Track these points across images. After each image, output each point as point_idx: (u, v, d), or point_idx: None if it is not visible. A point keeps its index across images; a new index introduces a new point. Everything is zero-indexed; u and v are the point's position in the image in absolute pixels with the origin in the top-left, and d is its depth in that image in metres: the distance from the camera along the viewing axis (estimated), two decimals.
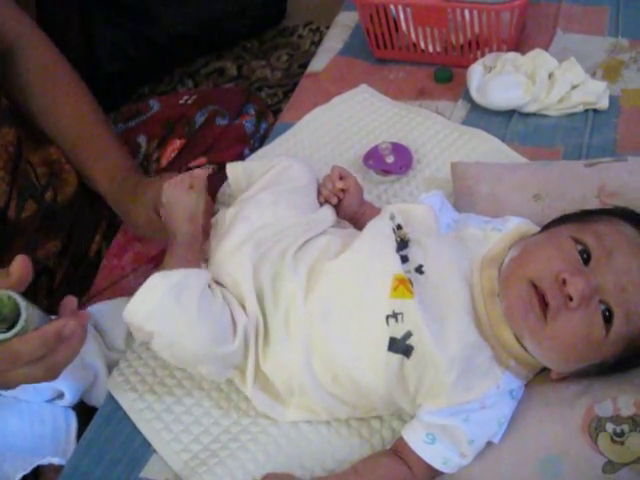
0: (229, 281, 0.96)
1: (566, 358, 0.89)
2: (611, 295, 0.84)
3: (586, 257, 0.87)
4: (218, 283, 0.97)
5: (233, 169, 1.16)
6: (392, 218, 1.02)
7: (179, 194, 1.07)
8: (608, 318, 0.85)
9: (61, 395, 1.07)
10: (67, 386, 1.05)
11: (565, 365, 0.91)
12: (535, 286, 0.86)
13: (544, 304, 0.86)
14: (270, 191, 1.06)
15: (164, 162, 1.46)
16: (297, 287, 0.94)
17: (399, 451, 0.91)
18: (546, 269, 0.87)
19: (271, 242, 0.99)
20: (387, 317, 0.89)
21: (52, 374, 0.87)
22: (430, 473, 0.90)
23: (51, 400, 1.07)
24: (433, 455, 0.88)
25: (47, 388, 1.05)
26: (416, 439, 0.90)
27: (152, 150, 1.48)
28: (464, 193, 1.19)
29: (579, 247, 0.88)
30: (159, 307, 0.88)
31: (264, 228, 1.00)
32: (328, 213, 1.09)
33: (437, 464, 0.89)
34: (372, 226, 1.01)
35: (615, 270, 0.85)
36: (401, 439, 0.91)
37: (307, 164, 1.14)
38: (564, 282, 0.84)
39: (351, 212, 1.13)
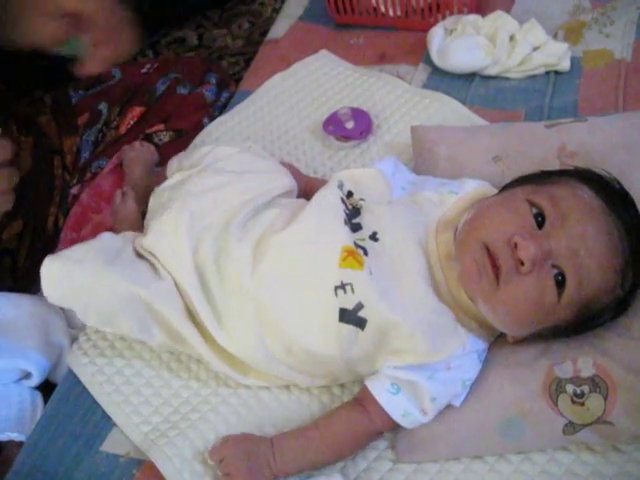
0: (168, 261, 0.95)
1: (518, 322, 0.88)
2: (564, 260, 0.83)
3: (541, 220, 0.86)
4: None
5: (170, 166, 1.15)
6: (340, 186, 0.99)
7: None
8: (560, 282, 0.84)
9: (28, 375, 1.05)
10: (35, 366, 1.04)
11: (518, 329, 0.90)
12: (489, 249, 0.85)
13: (497, 268, 0.85)
14: (215, 166, 1.06)
15: (123, 129, 1.45)
16: (243, 262, 0.92)
17: (361, 400, 0.91)
18: (499, 232, 0.85)
19: (213, 213, 0.97)
20: (335, 288, 0.88)
21: None
22: (390, 424, 0.90)
23: (18, 380, 1.06)
24: (394, 406, 0.88)
25: (14, 369, 1.04)
26: (380, 388, 0.89)
27: (113, 117, 1.47)
28: (424, 156, 1.18)
29: (534, 210, 0.87)
30: (60, 279, 0.92)
31: (202, 195, 0.99)
32: (279, 180, 1.06)
33: (396, 416, 0.88)
34: (319, 196, 0.99)
35: (569, 234, 0.84)
36: (365, 388, 0.90)
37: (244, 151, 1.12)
38: (516, 246, 0.83)
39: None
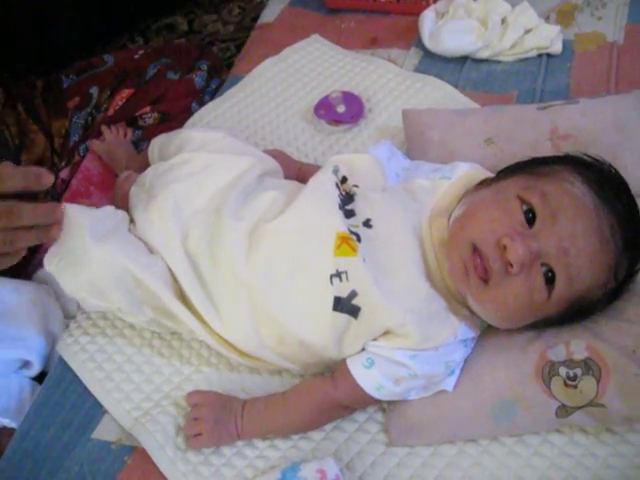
0: (159, 249, 0.95)
1: (508, 319, 0.88)
2: (554, 259, 0.83)
3: (531, 217, 0.85)
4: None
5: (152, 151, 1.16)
6: (335, 171, 0.99)
7: None
8: (550, 280, 0.83)
9: (26, 364, 1.05)
10: (36, 356, 1.04)
11: (508, 324, 0.90)
12: (478, 249, 0.84)
13: (486, 269, 0.84)
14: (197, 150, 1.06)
15: (111, 111, 1.46)
16: (238, 250, 0.91)
17: (334, 372, 0.91)
18: (488, 232, 0.84)
19: (200, 198, 0.97)
20: (331, 276, 0.87)
21: (9, 245, 0.84)
22: (353, 397, 0.90)
23: (17, 370, 1.05)
24: (367, 379, 0.88)
25: (15, 359, 1.03)
26: (355, 362, 0.89)
27: (103, 101, 1.47)
28: (416, 140, 1.17)
29: (524, 207, 0.85)
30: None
31: (186, 180, 0.99)
32: (259, 159, 1.06)
33: (370, 389, 0.88)
34: (314, 182, 0.98)
35: (559, 233, 0.83)
36: (343, 363, 0.90)
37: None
38: (505, 248, 0.82)
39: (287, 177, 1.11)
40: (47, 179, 0.96)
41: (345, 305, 0.87)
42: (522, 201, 0.86)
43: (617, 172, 0.91)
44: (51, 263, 0.94)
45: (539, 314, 0.87)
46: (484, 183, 0.96)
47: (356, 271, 0.87)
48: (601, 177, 0.88)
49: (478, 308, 0.87)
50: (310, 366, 0.95)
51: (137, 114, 1.43)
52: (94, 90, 1.47)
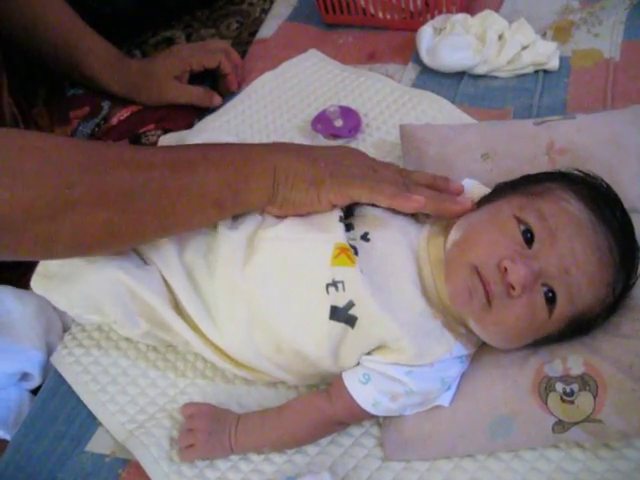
0: (154, 259, 0.95)
1: (509, 339, 0.88)
2: (554, 278, 0.82)
3: (530, 237, 0.84)
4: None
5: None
6: None
7: None
8: (551, 299, 0.83)
9: (26, 376, 1.04)
10: (38, 368, 1.04)
11: (508, 345, 0.90)
12: (479, 272, 0.84)
13: (488, 292, 0.83)
14: None
15: (115, 120, 1.46)
16: (235, 258, 0.91)
17: (330, 387, 0.90)
18: (488, 255, 0.84)
19: None
20: (327, 285, 0.87)
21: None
22: (351, 414, 0.89)
23: (17, 383, 1.05)
24: (363, 395, 0.87)
25: (17, 372, 1.03)
26: (352, 378, 0.88)
27: (113, 114, 1.48)
28: (413, 155, 1.17)
29: (522, 227, 0.85)
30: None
31: None
32: None
33: (366, 405, 0.87)
34: None
35: (558, 253, 0.82)
36: (338, 378, 0.89)
37: None
38: (506, 270, 0.81)
39: None
40: (217, 100, 1.45)
41: (342, 314, 0.87)
42: (519, 221, 0.85)
43: (609, 187, 0.91)
44: (39, 284, 0.95)
45: (539, 334, 0.87)
46: (479, 203, 0.95)
47: (353, 281, 0.87)
48: (595, 193, 0.88)
49: (479, 330, 0.87)
50: (306, 377, 0.94)
51: (141, 131, 1.43)
52: (106, 104, 1.49)
